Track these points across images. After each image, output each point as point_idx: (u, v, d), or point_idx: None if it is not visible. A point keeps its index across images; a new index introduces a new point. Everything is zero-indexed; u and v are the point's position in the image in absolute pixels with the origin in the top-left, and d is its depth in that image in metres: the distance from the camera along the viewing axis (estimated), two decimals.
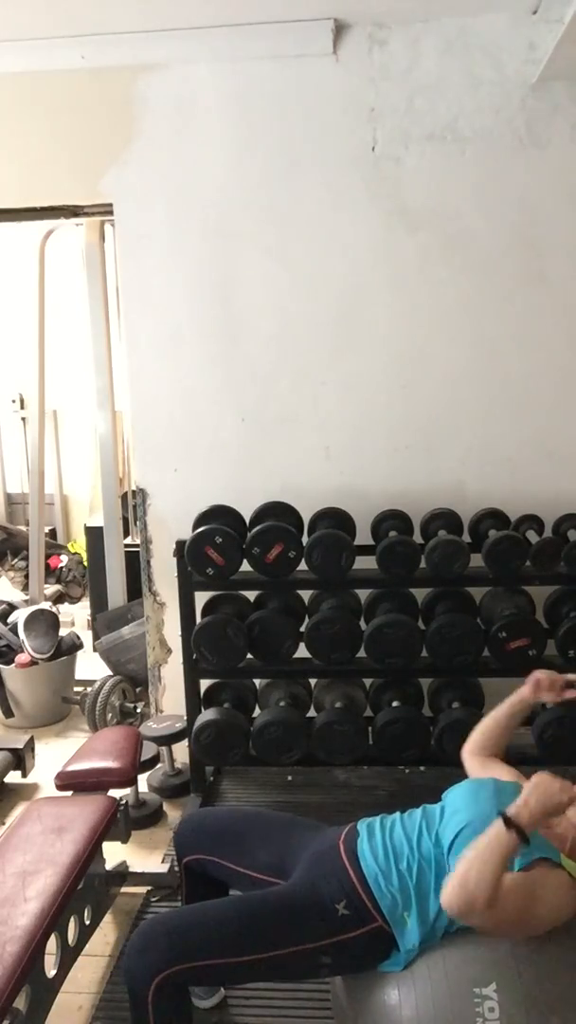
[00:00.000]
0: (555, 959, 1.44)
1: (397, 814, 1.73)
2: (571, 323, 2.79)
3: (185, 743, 2.79)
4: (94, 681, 3.40)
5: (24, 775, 3.01)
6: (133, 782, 2.40)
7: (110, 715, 3.32)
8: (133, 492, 3.26)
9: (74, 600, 5.08)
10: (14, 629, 3.61)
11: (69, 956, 1.95)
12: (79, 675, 3.72)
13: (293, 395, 2.92)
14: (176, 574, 2.70)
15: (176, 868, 1.97)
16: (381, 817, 1.72)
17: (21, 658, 3.50)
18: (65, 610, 4.71)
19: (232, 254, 2.86)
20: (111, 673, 3.50)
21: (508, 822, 1.40)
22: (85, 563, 4.67)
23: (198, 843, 1.87)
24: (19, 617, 3.62)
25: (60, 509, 5.77)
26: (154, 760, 2.92)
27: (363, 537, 2.72)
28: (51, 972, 1.85)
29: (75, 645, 3.72)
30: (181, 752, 2.90)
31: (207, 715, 2.61)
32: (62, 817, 2.09)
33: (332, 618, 2.57)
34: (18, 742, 3.01)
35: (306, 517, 2.76)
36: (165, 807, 2.85)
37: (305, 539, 2.63)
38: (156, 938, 1.56)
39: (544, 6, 2.53)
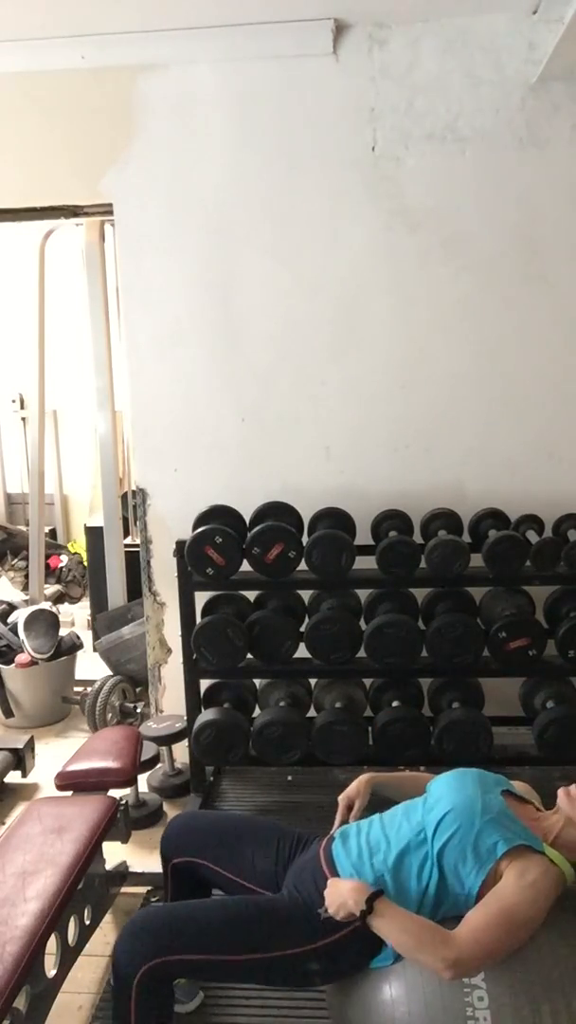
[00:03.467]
0: (543, 947, 1.45)
1: (376, 815, 1.76)
2: (571, 323, 2.79)
3: (185, 743, 2.79)
4: (94, 681, 3.40)
5: (24, 775, 3.02)
6: (133, 782, 2.40)
7: (110, 715, 3.33)
8: (133, 492, 3.26)
9: (74, 600, 5.08)
10: (14, 629, 3.61)
11: (69, 956, 1.95)
12: (79, 675, 3.72)
13: (293, 395, 2.92)
14: (176, 574, 2.70)
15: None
16: (358, 823, 1.76)
17: (21, 658, 3.50)
18: (65, 610, 4.71)
19: (232, 254, 2.86)
20: (111, 673, 3.50)
21: (371, 912, 1.48)
22: (85, 563, 4.67)
23: (188, 845, 1.88)
24: (19, 617, 3.62)
25: (60, 509, 5.77)
26: (154, 760, 2.92)
27: (363, 537, 2.72)
28: (51, 972, 1.85)
29: (75, 645, 3.72)
30: (181, 752, 2.90)
31: (207, 715, 2.61)
32: (62, 817, 2.09)
33: (332, 618, 2.57)
34: (18, 742, 3.01)
35: (306, 517, 2.76)
36: (165, 807, 2.85)
37: (305, 539, 2.63)
38: (146, 929, 1.59)
39: (544, 6, 2.53)
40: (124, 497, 4.05)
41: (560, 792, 1.65)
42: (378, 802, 1.86)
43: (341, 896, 1.53)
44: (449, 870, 1.55)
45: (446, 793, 1.64)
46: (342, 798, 1.89)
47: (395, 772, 1.95)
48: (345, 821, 1.85)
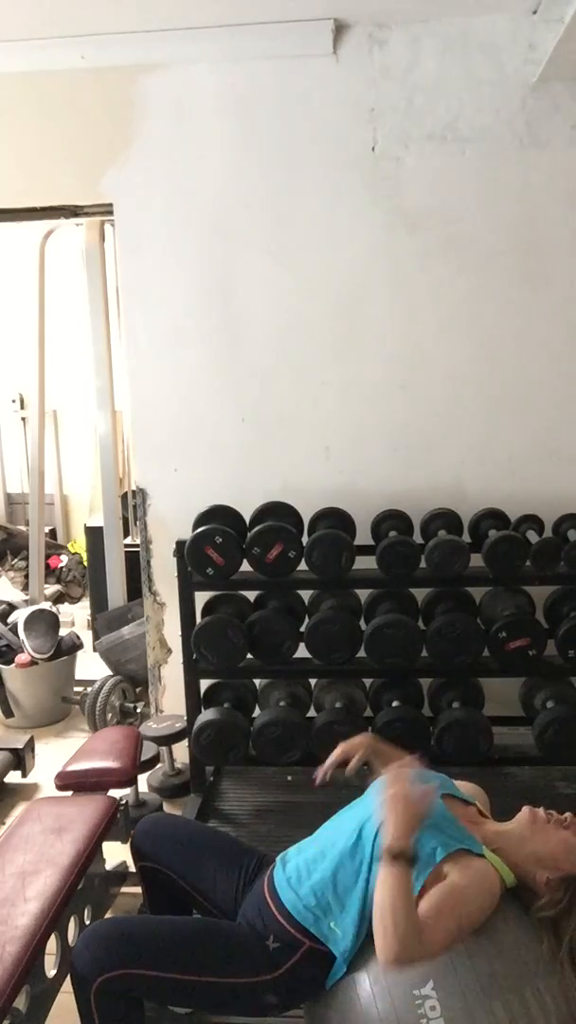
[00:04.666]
0: (487, 946, 1.44)
1: (319, 829, 1.74)
2: (571, 323, 2.79)
3: (185, 743, 2.79)
4: (94, 681, 3.40)
5: (24, 775, 3.02)
6: (133, 782, 2.40)
7: (110, 715, 3.33)
8: (133, 492, 3.26)
9: (74, 600, 5.08)
10: (14, 629, 3.61)
11: (69, 956, 1.94)
12: (79, 675, 3.72)
13: (293, 395, 2.92)
14: (176, 574, 2.70)
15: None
16: (298, 844, 1.74)
17: (21, 658, 3.50)
18: (65, 610, 4.71)
19: (232, 254, 2.86)
20: (111, 673, 3.50)
21: (392, 857, 1.38)
22: (85, 563, 4.67)
23: (151, 851, 1.88)
24: (19, 617, 3.62)
25: (60, 509, 5.77)
26: (154, 760, 2.92)
27: (363, 537, 2.72)
28: (51, 972, 1.85)
29: (75, 645, 3.72)
30: (181, 752, 2.90)
31: (207, 715, 2.61)
32: (62, 817, 2.09)
33: (332, 618, 2.57)
34: (18, 742, 3.01)
35: (306, 517, 2.76)
36: (165, 807, 2.86)
37: (305, 539, 2.63)
38: (103, 939, 1.58)
39: (544, 6, 2.53)
40: (124, 497, 4.05)
41: (526, 809, 1.62)
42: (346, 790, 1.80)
43: (397, 814, 1.42)
44: None
45: None
46: (341, 748, 1.79)
47: (396, 750, 1.85)
48: (330, 774, 1.76)
